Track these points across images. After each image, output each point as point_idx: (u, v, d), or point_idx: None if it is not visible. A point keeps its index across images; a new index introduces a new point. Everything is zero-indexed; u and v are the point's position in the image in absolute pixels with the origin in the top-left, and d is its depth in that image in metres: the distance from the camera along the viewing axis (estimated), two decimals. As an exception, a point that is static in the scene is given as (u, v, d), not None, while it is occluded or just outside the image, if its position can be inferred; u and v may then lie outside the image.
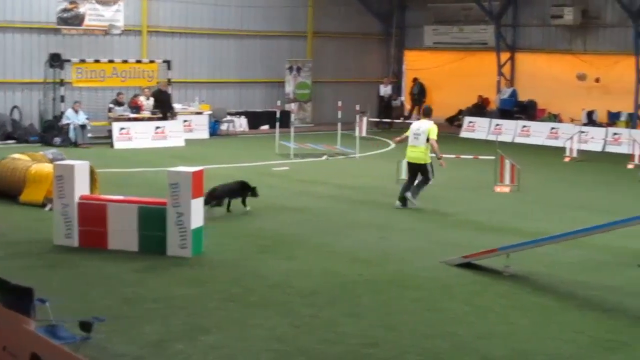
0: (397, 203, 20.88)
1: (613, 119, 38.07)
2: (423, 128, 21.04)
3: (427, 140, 20.82)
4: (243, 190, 19.98)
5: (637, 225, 14.62)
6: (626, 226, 14.44)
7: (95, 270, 14.42)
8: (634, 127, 36.00)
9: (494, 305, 12.81)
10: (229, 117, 38.33)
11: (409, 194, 20.84)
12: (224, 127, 37.74)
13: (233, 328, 11.45)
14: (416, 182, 21.10)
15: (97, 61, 34.19)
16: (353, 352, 10.64)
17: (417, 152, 21.00)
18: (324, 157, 29.76)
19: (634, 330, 11.82)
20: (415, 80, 44.85)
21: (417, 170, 21.06)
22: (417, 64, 45.90)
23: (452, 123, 42.34)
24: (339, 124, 30.58)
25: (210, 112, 37.02)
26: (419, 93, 44.49)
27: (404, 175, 24.12)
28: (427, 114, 22.04)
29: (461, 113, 42.40)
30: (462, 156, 26.37)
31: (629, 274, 14.88)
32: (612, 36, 38.50)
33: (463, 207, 21.22)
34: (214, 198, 19.09)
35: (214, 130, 36.73)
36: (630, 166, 28.40)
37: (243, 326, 11.52)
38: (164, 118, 33.91)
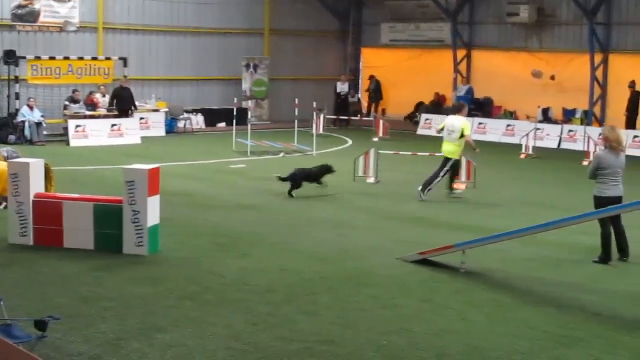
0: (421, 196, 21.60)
1: (568, 116, 38.41)
2: (457, 124, 21.61)
3: (462, 136, 21.45)
4: (323, 174, 22.22)
5: (591, 221, 14.81)
6: (581, 222, 14.62)
7: (51, 269, 14.31)
8: (589, 124, 36.31)
9: (450, 301, 12.86)
10: (185, 115, 38.22)
11: (421, 189, 21.63)
12: (180, 124, 37.63)
13: (189, 326, 11.41)
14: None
15: (52, 58, 33.99)
16: (310, 350, 10.64)
17: (451, 146, 21.70)
18: (281, 155, 29.74)
19: (588, 325, 11.91)
20: (371, 77, 44.98)
21: (447, 162, 21.77)
22: (374, 61, 46.04)
23: (411, 120, 42.50)
24: (296, 122, 30.57)
25: (166, 109, 36.89)
26: (375, 90, 44.62)
27: (361, 172, 24.24)
28: (458, 109, 22.52)
29: (418, 110, 42.53)
30: (419, 153, 26.46)
31: (584, 270, 15.01)
32: (567, 34, 38.83)
33: (419, 203, 21.29)
34: (295, 185, 21.56)
35: (170, 128, 36.60)
36: (585, 163, 28.62)
37: (199, 324, 11.49)
38: (126, 115, 33.75)
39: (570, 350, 10.88)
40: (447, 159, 21.83)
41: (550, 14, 39.20)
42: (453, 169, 21.92)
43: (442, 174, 21.72)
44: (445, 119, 22.80)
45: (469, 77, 42.78)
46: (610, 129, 16.02)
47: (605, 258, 15.28)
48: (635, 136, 33.82)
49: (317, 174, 22.16)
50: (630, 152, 30.96)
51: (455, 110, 22.57)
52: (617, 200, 14.95)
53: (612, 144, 15.45)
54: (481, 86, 41.85)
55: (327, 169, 22.32)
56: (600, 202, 15.07)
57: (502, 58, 41.17)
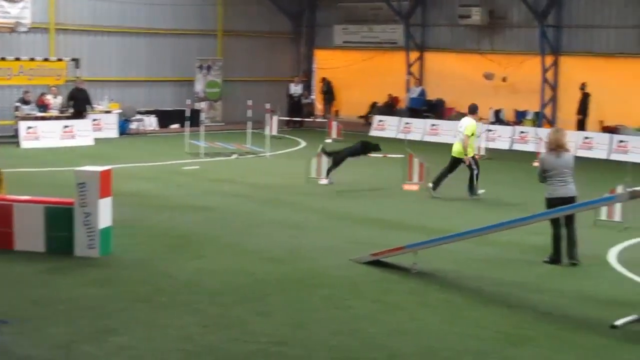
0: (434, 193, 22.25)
1: (520, 117, 38.72)
2: (463, 125, 22.08)
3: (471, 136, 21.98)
4: (365, 149, 24.39)
5: (541, 222, 14.95)
6: (532, 223, 14.74)
7: (1, 272, 14.20)
8: (540, 125, 36.63)
9: (402, 302, 12.94)
10: (138, 116, 38.04)
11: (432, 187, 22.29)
12: (133, 125, 37.43)
13: (141, 328, 11.38)
14: (468, 177, 22.35)
15: (3, 59, 33.60)
16: (262, 351, 10.66)
17: (456, 146, 22.29)
18: (234, 156, 29.71)
19: (538, 325, 12.03)
20: (323, 79, 45.08)
21: (457, 163, 22.35)
22: (327, 62, 46.13)
23: (363, 121, 42.62)
24: (249, 123, 30.54)
25: (119, 110, 36.67)
26: (327, 92, 44.75)
27: (314, 173, 24.28)
28: (471, 111, 22.86)
29: (372, 111, 42.66)
30: (371, 154, 26.52)
31: (534, 270, 15.15)
32: (519, 36, 39.14)
33: (372, 205, 21.37)
34: (336, 163, 23.71)
35: (123, 129, 36.39)
36: (536, 164, 28.79)
37: (151, 326, 11.46)
38: (81, 117, 33.52)
39: (521, 350, 10.99)
40: (454, 159, 22.38)
41: (502, 16, 39.49)
42: (470, 168, 22.22)
43: (450, 173, 22.33)
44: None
45: (422, 79, 42.98)
46: (553, 130, 16.25)
47: (555, 259, 15.44)
48: (586, 137, 34.15)
49: (359, 150, 24.42)
50: (580, 153, 31.43)
51: (469, 112, 22.90)
52: (568, 200, 15.05)
53: (551, 146, 15.64)
54: (434, 88, 42.07)
55: (372, 146, 24.64)
56: (551, 203, 15.22)
57: (454, 60, 41.42)
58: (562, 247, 15.47)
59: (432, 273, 14.51)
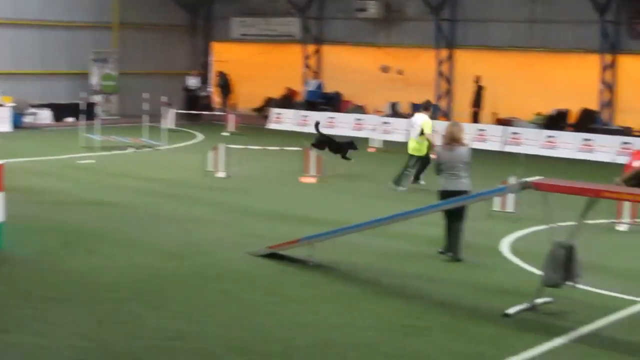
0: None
1: (415, 110, 39.00)
2: (417, 122, 22.42)
3: (422, 133, 22.21)
4: (347, 147, 25.29)
5: (434, 213, 15.12)
6: (424, 215, 14.90)
7: None
8: (434, 118, 36.97)
9: (298, 294, 12.98)
10: (32, 110, 37.38)
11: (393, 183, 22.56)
12: (27, 119, 36.78)
13: (34, 326, 11.20)
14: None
15: None
16: (157, 346, 10.59)
17: (413, 143, 22.73)
18: (131, 150, 29.42)
19: (432, 315, 12.19)
20: (220, 73, 44.94)
21: (410, 159, 22.71)
22: (224, 55, 45.96)
23: (260, 114, 42.57)
24: (145, 116, 30.27)
25: (12, 104, 35.97)
26: (224, 85, 44.62)
27: (210, 167, 24.20)
28: (424, 107, 23.20)
29: (269, 104, 42.65)
30: (269, 147, 26.58)
31: (428, 261, 15.33)
32: (414, 30, 39.54)
33: (269, 198, 21.39)
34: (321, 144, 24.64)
35: (17, 123, 35.72)
36: (432, 156, 29.18)
37: (44, 323, 11.29)
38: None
39: (415, 340, 11.12)
40: (410, 156, 22.72)
41: (398, 9, 39.85)
42: (422, 165, 22.70)
43: (407, 170, 22.60)
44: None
45: (319, 72, 43.13)
46: (450, 124, 16.40)
47: (449, 249, 15.61)
48: (480, 130, 34.68)
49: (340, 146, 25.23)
50: (475, 145, 31.85)
51: (422, 108, 23.16)
52: (459, 194, 15.06)
53: (446, 139, 15.80)
54: (331, 81, 42.26)
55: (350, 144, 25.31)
56: (442, 196, 15.35)
57: (351, 53, 41.66)
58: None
59: (328, 265, 14.58)
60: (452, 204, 14.56)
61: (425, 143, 22.54)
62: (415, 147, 22.62)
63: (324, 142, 25.38)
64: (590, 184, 13.64)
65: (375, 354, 10.57)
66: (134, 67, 42.03)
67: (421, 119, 22.53)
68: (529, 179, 12.32)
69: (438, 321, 11.91)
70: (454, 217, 15.32)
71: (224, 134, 34.45)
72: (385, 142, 32.18)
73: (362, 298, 12.94)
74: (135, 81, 41.19)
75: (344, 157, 25.31)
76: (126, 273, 13.90)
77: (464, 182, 15.45)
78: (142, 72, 42.31)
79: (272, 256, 14.95)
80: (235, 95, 45.30)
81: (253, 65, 44.45)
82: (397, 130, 35.80)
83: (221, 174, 24.07)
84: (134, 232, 17.01)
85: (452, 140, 15.61)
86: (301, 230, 16.22)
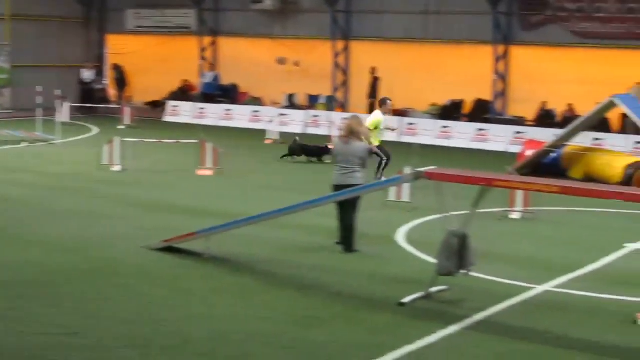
0: None
1: (313, 101, 39.25)
2: (371, 117, 22.23)
3: (376, 128, 21.93)
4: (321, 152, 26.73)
5: (330, 204, 15.20)
6: (321, 205, 14.95)
7: None
8: (331, 109, 37.25)
9: (195, 287, 12.94)
10: None
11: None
12: None
13: None
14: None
15: None
16: (54, 343, 10.43)
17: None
18: (24, 144, 28.91)
19: (329, 306, 12.26)
20: (115, 65, 44.46)
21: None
22: (120, 48, 45.44)
23: (156, 107, 42.25)
24: (39, 110, 29.79)
25: None
26: (119, 78, 44.17)
27: (106, 160, 23.96)
28: (380, 104, 22.94)
29: (165, 97, 42.33)
30: (164, 140, 26.40)
31: (325, 252, 15.40)
32: (310, 21, 39.65)
33: (166, 191, 21.26)
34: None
35: None
36: (330, 147, 29.37)
37: None
38: None
39: (312, 331, 11.17)
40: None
41: (294, 1, 39.91)
42: (377, 155, 22.32)
43: (382, 156, 22.21)
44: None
45: (216, 64, 42.99)
46: (350, 117, 16.41)
47: (348, 239, 15.65)
48: (376, 121, 34.88)
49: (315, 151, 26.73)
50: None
51: (379, 104, 23.06)
52: (341, 188, 14.88)
53: (343, 132, 15.81)
54: (228, 73, 42.16)
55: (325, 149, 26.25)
56: (335, 189, 15.34)
57: (247, 45, 41.60)
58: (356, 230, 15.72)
59: (225, 258, 14.56)
60: (347, 194, 14.61)
61: (379, 138, 22.59)
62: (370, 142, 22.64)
63: (298, 149, 26.92)
64: (482, 173, 13.88)
65: (273, 345, 10.59)
66: (27, 60, 41.25)
67: (374, 115, 22.57)
68: (422, 169, 12.46)
69: (335, 312, 11.99)
70: (347, 209, 15.35)
71: (120, 127, 34.12)
72: (283, 134, 32.20)
73: (260, 290, 12.95)
74: (28, 74, 40.45)
75: (320, 160, 26.71)
76: (20, 270, 13.67)
77: (356, 177, 15.29)
78: (36, 65, 41.56)
79: (170, 250, 14.87)
80: (131, 88, 44.86)
81: (149, 57, 44.09)
82: (294, 121, 35.90)
83: (117, 168, 23.83)
84: (27, 228, 16.74)
85: (350, 133, 15.54)
86: (197, 223, 16.13)
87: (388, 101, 22.82)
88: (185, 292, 12.67)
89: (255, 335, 10.86)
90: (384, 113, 22.38)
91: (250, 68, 40.83)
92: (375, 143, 22.28)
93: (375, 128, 22.19)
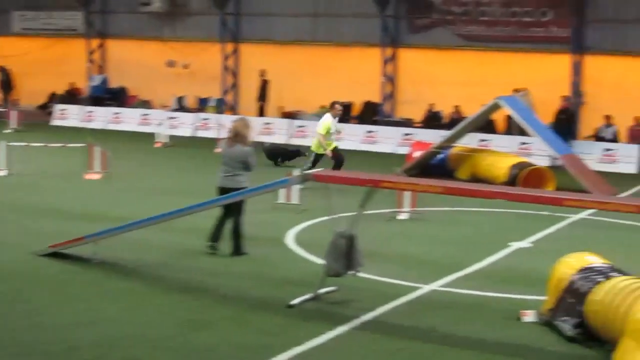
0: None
1: (202, 104, 39.15)
2: (320, 123, 22.47)
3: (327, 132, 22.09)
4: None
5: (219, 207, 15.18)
6: (209, 208, 14.91)
7: None
8: (221, 112, 37.20)
9: (82, 293, 12.78)
10: None
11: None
12: None
13: None
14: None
15: None
16: None
17: (314, 141, 22.76)
18: None
19: (218, 308, 12.25)
20: (0, 68, 43.65)
21: (318, 157, 22.45)
22: (5, 50, 44.62)
23: (44, 110, 41.63)
24: None
25: None
26: (5, 81, 43.38)
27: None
28: (330, 107, 22.98)
29: (52, 100, 41.74)
30: (51, 145, 26.03)
31: (215, 256, 15.31)
32: (199, 24, 39.58)
33: (53, 195, 20.97)
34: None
35: None
36: (217, 150, 29.31)
37: None
38: None
39: (201, 334, 11.14)
40: (314, 154, 22.57)
41: (182, 3, 39.76)
42: (314, 163, 22.38)
43: (307, 166, 21.92)
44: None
45: (104, 67, 42.53)
46: (236, 119, 16.31)
47: (215, 243, 15.53)
48: (267, 123, 35.01)
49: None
50: (262, 138, 32.24)
51: (329, 107, 23.06)
52: (224, 191, 14.93)
53: (229, 134, 15.71)
54: (116, 76, 41.80)
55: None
56: (217, 190, 15.27)
57: (136, 47, 41.31)
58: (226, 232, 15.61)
59: (113, 262, 14.42)
60: (236, 197, 14.59)
61: (329, 141, 22.54)
62: (316, 145, 22.52)
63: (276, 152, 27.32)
64: (370, 174, 14.02)
65: (161, 349, 10.54)
66: None
67: (322, 119, 22.57)
68: (310, 171, 12.55)
69: (224, 314, 11.98)
70: (232, 212, 15.31)
71: (7, 131, 33.50)
72: (172, 137, 32.02)
73: (149, 294, 12.87)
74: None
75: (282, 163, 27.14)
76: None
77: (238, 180, 15.16)
78: None
79: (56, 255, 14.66)
80: (18, 91, 44.10)
81: (36, 60, 43.44)
82: (184, 124, 35.75)
83: (2, 172, 23.41)
84: None
85: (235, 135, 15.45)
86: (86, 227, 15.96)
87: (336, 105, 22.93)
88: (72, 298, 12.51)
89: (143, 340, 10.79)
90: (334, 117, 22.45)
91: (139, 71, 40.52)
92: (329, 148, 22.32)
93: (327, 132, 22.23)
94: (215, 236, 15.49)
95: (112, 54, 42.47)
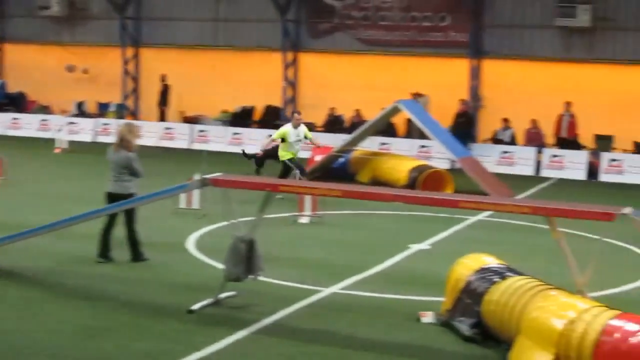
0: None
1: (103, 109, 38.75)
2: (277, 130, 22.65)
3: (283, 140, 22.22)
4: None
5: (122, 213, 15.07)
6: (106, 214, 14.80)
7: None
8: (122, 117, 36.87)
9: (-22, 302, 12.60)
10: None
11: None
12: None
13: None
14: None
15: None
16: None
17: (280, 150, 22.61)
18: None
19: (118, 315, 12.16)
20: None
21: (285, 166, 22.46)
22: None
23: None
24: None
25: None
26: None
27: None
28: (291, 116, 23.26)
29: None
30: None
31: (113, 262, 15.14)
32: (99, 28, 39.18)
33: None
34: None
35: None
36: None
37: None
38: None
39: (100, 341, 11.05)
40: (282, 162, 22.52)
41: (82, 7, 39.33)
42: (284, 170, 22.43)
43: (287, 176, 22.00)
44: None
45: (2, 72, 41.84)
46: (122, 124, 16.10)
47: (106, 252, 15.41)
48: (167, 128, 34.87)
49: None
50: (163, 143, 32.15)
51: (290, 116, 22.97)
52: (120, 198, 14.73)
53: (115, 140, 15.55)
54: (14, 81, 41.14)
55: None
56: (106, 196, 15.15)
57: (35, 52, 40.73)
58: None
59: (9, 270, 14.19)
60: (131, 204, 14.49)
61: (291, 150, 22.40)
62: (282, 154, 22.42)
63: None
64: (269, 178, 14.08)
65: (61, 357, 10.44)
66: None
67: (282, 128, 22.55)
68: (208, 176, 12.54)
69: (123, 321, 11.90)
70: (125, 220, 15.18)
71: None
72: (72, 143, 31.65)
73: (46, 302, 12.71)
74: None
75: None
76: None
77: (125, 186, 15.03)
78: None
79: (-49, 264, 14.41)
80: None
81: None
82: (84, 130, 35.38)
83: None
84: None
85: (120, 140, 15.24)
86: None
87: (296, 114, 22.94)
88: (-32, 307, 12.32)
89: (42, 348, 10.66)
90: (295, 127, 22.35)
91: (38, 75, 39.96)
92: (287, 156, 22.20)
93: (283, 140, 22.14)
94: (104, 251, 15.29)
95: (10, 58, 41.78)
